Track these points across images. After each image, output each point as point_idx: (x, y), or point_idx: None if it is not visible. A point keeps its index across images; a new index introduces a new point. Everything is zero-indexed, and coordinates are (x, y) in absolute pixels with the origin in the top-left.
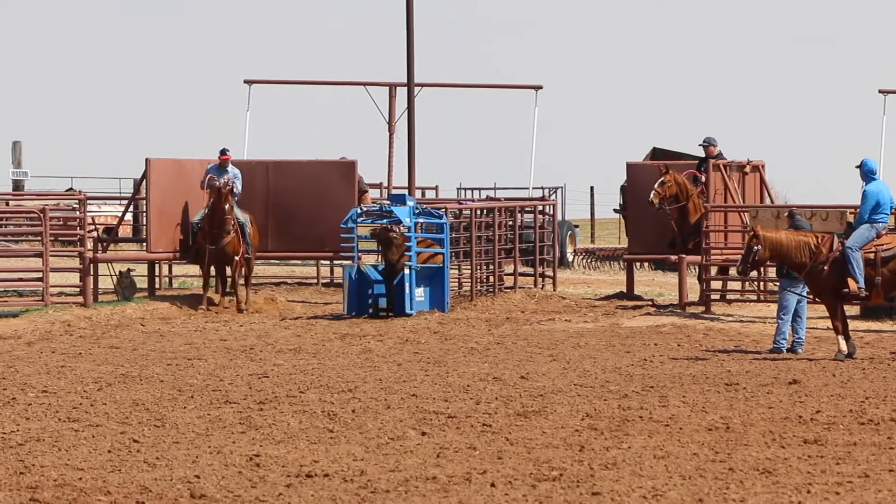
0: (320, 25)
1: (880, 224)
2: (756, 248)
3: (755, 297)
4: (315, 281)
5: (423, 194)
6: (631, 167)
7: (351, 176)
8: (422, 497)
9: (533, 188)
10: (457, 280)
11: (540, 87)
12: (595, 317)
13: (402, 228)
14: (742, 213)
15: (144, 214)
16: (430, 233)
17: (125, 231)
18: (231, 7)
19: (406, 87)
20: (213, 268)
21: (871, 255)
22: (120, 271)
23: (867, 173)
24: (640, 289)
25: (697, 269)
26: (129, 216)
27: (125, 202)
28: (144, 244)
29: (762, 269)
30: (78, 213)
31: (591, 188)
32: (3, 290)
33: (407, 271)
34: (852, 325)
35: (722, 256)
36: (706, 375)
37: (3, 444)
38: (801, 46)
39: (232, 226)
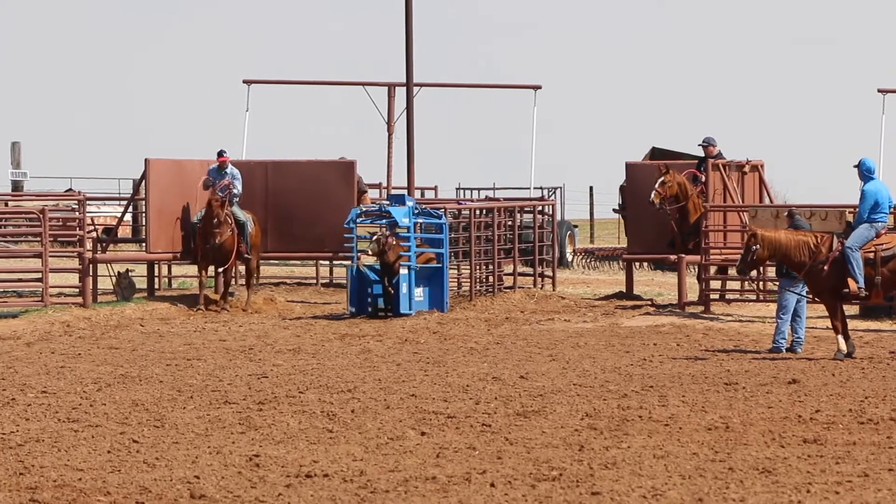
0: (319, 25)
1: (879, 223)
2: (754, 247)
3: (754, 297)
4: (314, 281)
5: (423, 194)
6: (630, 167)
7: (350, 176)
8: (421, 497)
9: (533, 188)
10: (456, 280)
11: (539, 87)
12: (594, 317)
13: (397, 231)
14: (741, 213)
15: (144, 215)
16: (430, 233)
17: (124, 231)
18: (230, 7)
19: (405, 87)
20: (210, 268)
21: (871, 255)
22: (119, 272)
23: (865, 173)
24: (639, 289)
25: (697, 269)
26: (128, 217)
27: (124, 203)
28: (144, 245)
29: (762, 268)
30: (77, 213)
31: (591, 188)
32: (2, 290)
33: (405, 272)
34: (852, 324)
35: (721, 256)
36: (705, 375)
37: (2, 444)
38: (800, 46)
39: (226, 224)
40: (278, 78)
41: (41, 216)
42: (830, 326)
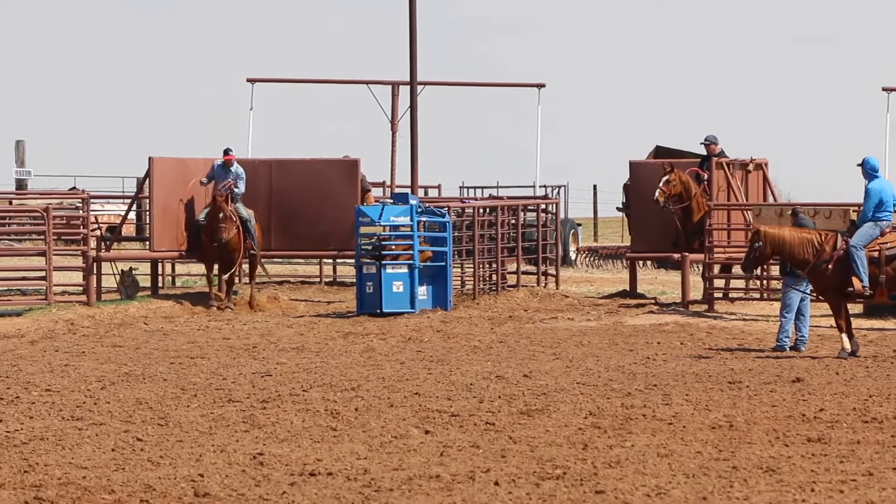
0: (323, 24)
1: (884, 222)
2: (758, 244)
3: (758, 296)
4: (318, 280)
5: (426, 193)
6: (634, 165)
7: (354, 174)
8: (425, 495)
9: (536, 186)
10: (460, 278)
11: (543, 86)
12: (598, 315)
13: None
14: (745, 212)
15: (147, 213)
16: (433, 231)
17: (128, 230)
18: (234, 6)
19: (409, 86)
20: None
21: (875, 254)
22: (122, 270)
23: (870, 171)
24: (642, 287)
25: (700, 268)
26: (132, 215)
27: (128, 201)
28: (147, 243)
29: (766, 267)
30: (81, 211)
31: (594, 186)
32: (6, 288)
33: (404, 270)
34: (856, 323)
35: (725, 255)
36: (709, 374)
37: (7, 442)
38: (804, 45)
39: (231, 221)
40: (282, 76)
41: (45, 214)
42: (834, 325)
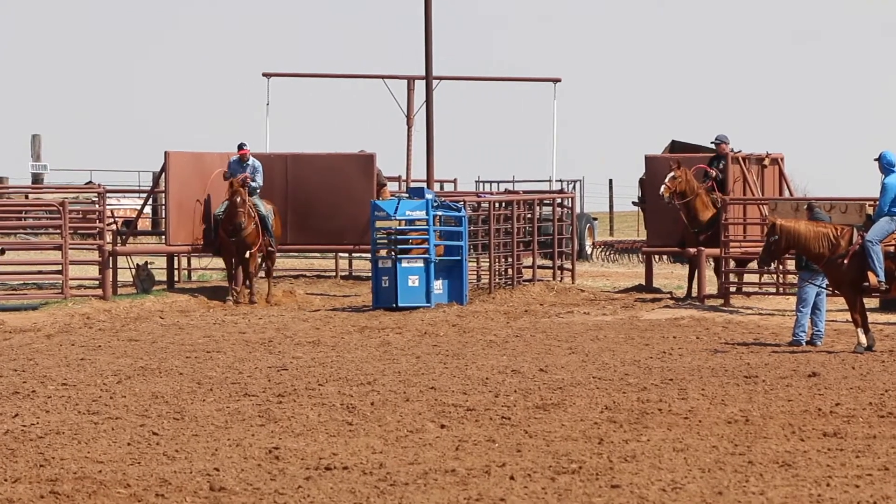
0: (339, 19)
1: None
2: (773, 238)
3: (774, 290)
4: (334, 274)
5: (442, 187)
6: (649, 160)
7: (369, 169)
8: (441, 490)
9: (553, 181)
10: (475, 273)
11: (558, 80)
12: (614, 309)
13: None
14: (761, 206)
15: (163, 207)
16: (449, 226)
17: (144, 224)
18: (250, 1)
19: (424, 80)
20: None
21: (891, 248)
22: (137, 264)
23: (886, 166)
24: (658, 281)
25: (713, 262)
26: (148, 209)
27: (144, 195)
28: (163, 237)
29: (781, 261)
30: (97, 206)
31: (610, 181)
32: (22, 282)
33: (420, 264)
34: (872, 317)
35: (741, 249)
36: (725, 368)
37: (23, 436)
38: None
39: (249, 217)
40: (298, 71)
41: (61, 209)
42: (850, 319)
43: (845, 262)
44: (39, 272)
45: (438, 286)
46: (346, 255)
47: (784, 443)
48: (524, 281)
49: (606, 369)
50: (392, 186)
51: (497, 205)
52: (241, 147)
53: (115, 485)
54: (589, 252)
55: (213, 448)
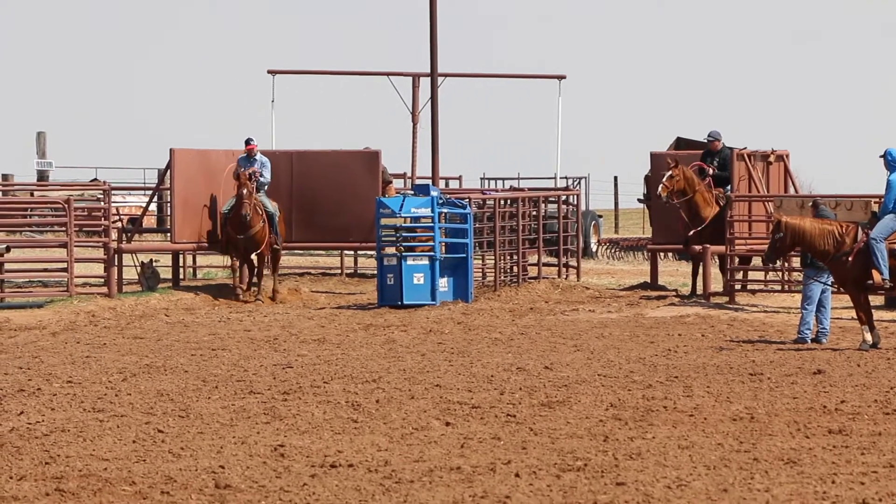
0: (344, 16)
1: None
2: (779, 235)
3: (779, 288)
4: (339, 271)
5: (447, 184)
6: (655, 157)
7: (375, 166)
8: (446, 487)
9: (558, 178)
10: (480, 270)
11: (563, 77)
12: (619, 307)
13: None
14: (766, 203)
15: (169, 205)
16: (454, 223)
17: (149, 221)
18: None
19: (429, 78)
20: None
21: None
22: (142, 262)
23: (891, 162)
24: (663, 279)
25: (719, 259)
26: (153, 207)
27: (149, 192)
28: (169, 235)
29: (786, 258)
30: (102, 203)
31: (615, 178)
32: (28, 280)
33: (425, 262)
34: (877, 315)
35: (746, 246)
36: (730, 365)
37: (28, 434)
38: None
39: (257, 214)
40: (303, 68)
41: (66, 206)
42: (855, 317)
43: (850, 259)
44: (45, 270)
45: (444, 284)
46: (352, 252)
47: (789, 440)
48: (529, 278)
49: (612, 367)
50: (397, 183)
51: (502, 202)
52: (248, 142)
53: (121, 482)
54: (594, 249)
55: (219, 446)
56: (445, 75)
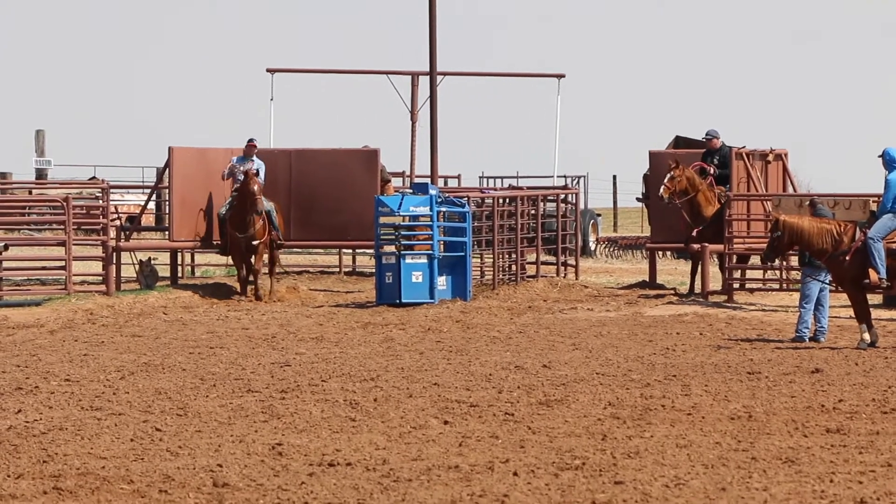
0: (343, 14)
1: None
2: (776, 234)
3: (777, 286)
4: (337, 270)
5: (446, 183)
6: (653, 156)
7: (373, 165)
8: (444, 485)
9: (556, 177)
10: (479, 269)
11: (562, 76)
12: (617, 306)
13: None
14: (765, 202)
15: (167, 203)
16: (453, 221)
17: (148, 220)
18: None
19: (428, 76)
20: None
21: (894, 245)
22: (140, 260)
23: (890, 162)
24: (662, 278)
25: (718, 259)
26: (151, 205)
27: (148, 191)
28: (167, 233)
29: (785, 257)
30: (101, 201)
31: (614, 177)
32: (26, 278)
33: (423, 260)
34: (875, 314)
35: (745, 245)
36: (728, 364)
37: (26, 432)
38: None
39: (260, 217)
40: (302, 67)
41: (65, 204)
42: (853, 316)
43: (848, 258)
44: (43, 268)
45: (442, 282)
46: (350, 251)
47: (787, 439)
48: (528, 277)
49: (610, 365)
50: (396, 182)
51: (501, 201)
52: (250, 141)
53: (119, 481)
54: (593, 248)
55: (217, 444)
56: (444, 74)
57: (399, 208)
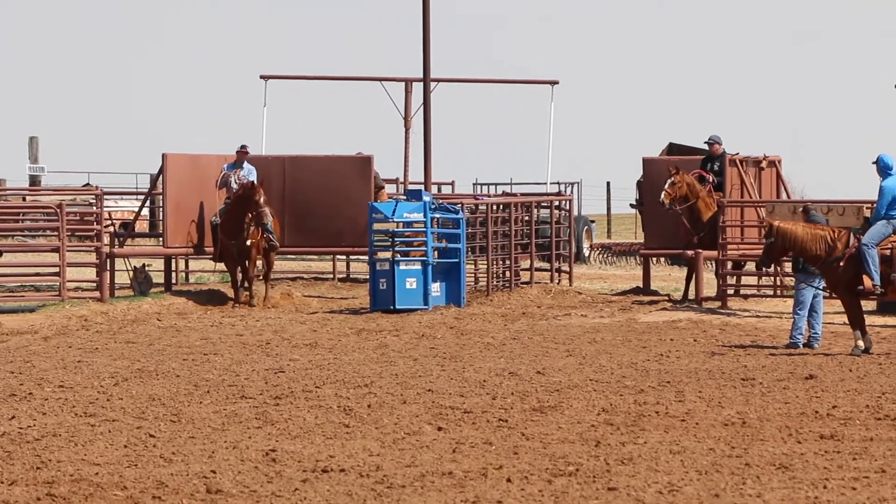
0: (336, 21)
1: None
2: (770, 240)
3: (771, 293)
4: (331, 276)
5: (440, 189)
6: (647, 162)
7: (367, 171)
8: (438, 492)
9: (550, 183)
10: (473, 275)
11: (556, 83)
12: (611, 312)
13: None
14: (758, 209)
15: (161, 210)
16: (447, 228)
17: (142, 226)
18: (247, 2)
19: (422, 83)
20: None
21: (888, 252)
22: (135, 266)
23: (884, 169)
24: (656, 284)
25: (714, 265)
26: (145, 211)
27: (142, 197)
28: (161, 239)
29: (780, 263)
30: (95, 208)
31: (608, 183)
32: (20, 284)
33: (417, 266)
34: (869, 320)
35: (738, 252)
36: (722, 370)
37: (20, 439)
38: (817, 41)
39: (267, 223)
40: (295, 73)
41: (59, 211)
42: (847, 322)
43: (842, 264)
44: (37, 274)
45: (436, 288)
46: (344, 257)
47: (781, 445)
48: (522, 283)
49: (603, 372)
50: (390, 189)
51: (495, 207)
52: (242, 147)
53: (112, 487)
54: (586, 254)
55: (210, 450)
56: (438, 80)
57: (393, 215)
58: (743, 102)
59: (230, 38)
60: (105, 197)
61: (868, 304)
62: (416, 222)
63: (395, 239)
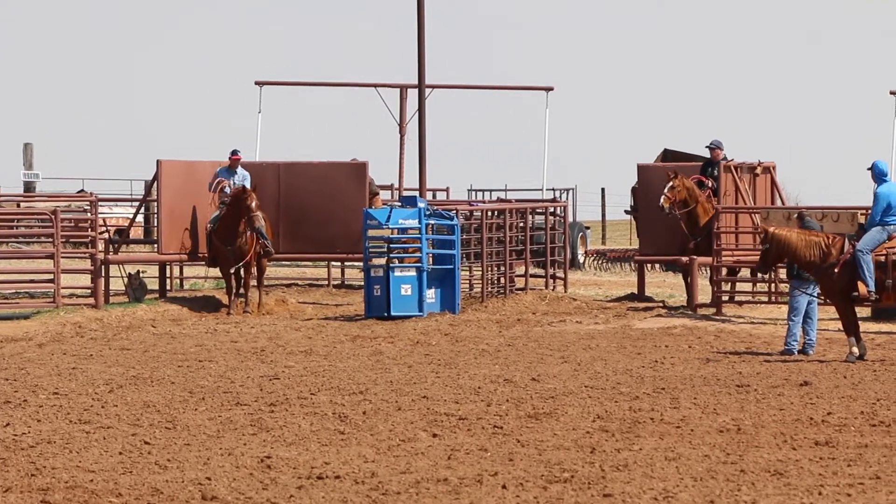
0: (331, 27)
1: (891, 226)
2: (765, 246)
3: (766, 299)
4: (326, 283)
5: (434, 196)
6: (642, 169)
7: (362, 177)
8: (433, 499)
9: (545, 189)
10: (468, 281)
11: (551, 89)
12: (606, 318)
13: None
14: (753, 215)
15: (155, 216)
16: (441, 234)
17: (136, 233)
18: (242, 8)
19: (417, 89)
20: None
21: (883, 258)
22: (129, 273)
23: (878, 175)
24: (651, 290)
25: (708, 271)
26: (140, 218)
27: (136, 204)
28: (156, 246)
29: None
30: (89, 214)
31: (602, 189)
32: (14, 291)
33: (412, 273)
34: (863, 326)
35: (733, 258)
36: (717, 377)
37: (14, 445)
38: (813, 47)
39: (259, 228)
40: (290, 80)
41: (53, 217)
42: (842, 329)
43: (836, 270)
44: (31, 281)
45: (431, 295)
46: (339, 263)
47: (776, 452)
48: (516, 290)
49: (598, 378)
50: (384, 195)
51: (489, 213)
52: (234, 153)
53: (107, 494)
54: (581, 261)
55: (205, 457)
56: (433, 87)
57: (388, 221)
58: (737, 109)
59: (225, 44)
60: (100, 203)
61: (863, 311)
62: (411, 229)
63: (390, 245)
